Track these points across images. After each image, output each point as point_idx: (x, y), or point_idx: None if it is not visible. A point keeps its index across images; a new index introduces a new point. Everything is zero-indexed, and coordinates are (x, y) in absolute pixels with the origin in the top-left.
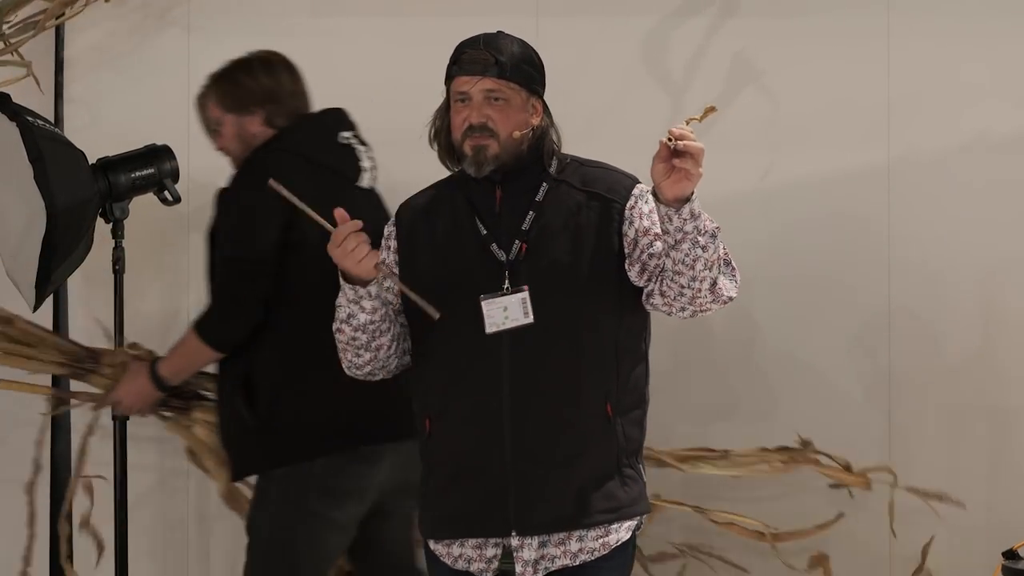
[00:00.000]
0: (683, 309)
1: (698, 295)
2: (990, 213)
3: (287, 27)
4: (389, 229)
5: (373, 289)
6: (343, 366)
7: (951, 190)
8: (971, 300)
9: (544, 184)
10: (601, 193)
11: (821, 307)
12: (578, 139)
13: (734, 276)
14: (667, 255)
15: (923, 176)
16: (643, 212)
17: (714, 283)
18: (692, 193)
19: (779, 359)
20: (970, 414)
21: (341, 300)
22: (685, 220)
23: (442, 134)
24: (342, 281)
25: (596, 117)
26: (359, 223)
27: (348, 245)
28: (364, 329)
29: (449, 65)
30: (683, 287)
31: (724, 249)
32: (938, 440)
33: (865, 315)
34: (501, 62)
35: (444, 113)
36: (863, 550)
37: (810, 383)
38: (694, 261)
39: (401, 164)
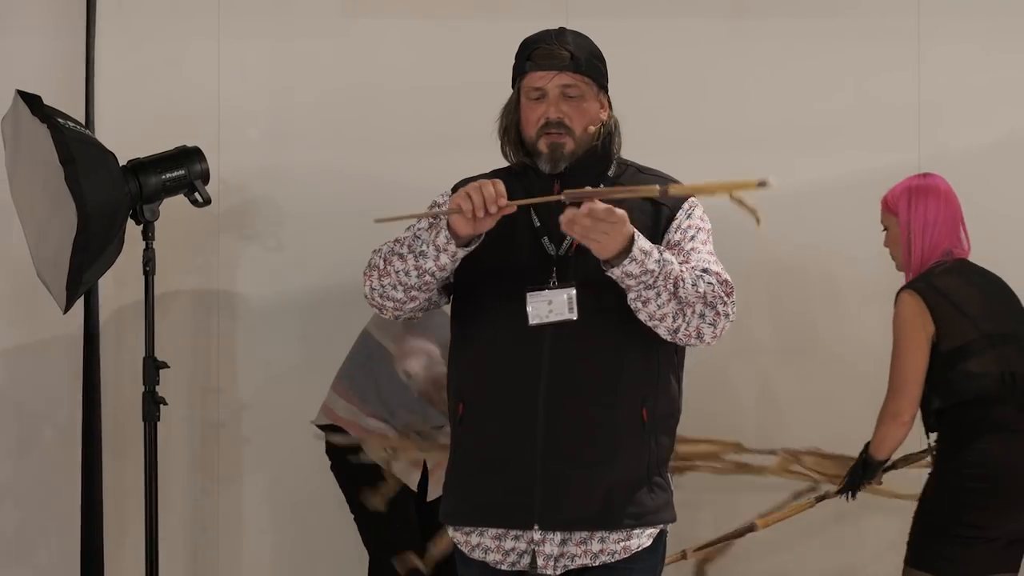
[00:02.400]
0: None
1: (658, 330)
2: (1021, 212)
3: (316, 29)
4: (444, 199)
5: (461, 253)
6: (369, 287)
7: (982, 190)
8: None
9: (601, 185)
10: (657, 200)
11: (852, 308)
12: None
13: (715, 320)
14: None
15: (954, 176)
16: (681, 225)
17: (675, 332)
18: (623, 255)
19: (809, 358)
20: None
21: (426, 236)
22: (624, 275)
23: (512, 130)
24: (444, 225)
25: (624, 119)
26: (505, 202)
27: (487, 195)
28: (421, 274)
29: (520, 61)
30: (647, 319)
31: (687, 294)
32: None
33: None
34: (576, 56)
35: (514, 109)
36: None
37: (842, 383)
38: (636, 309)
39: (426, 165)
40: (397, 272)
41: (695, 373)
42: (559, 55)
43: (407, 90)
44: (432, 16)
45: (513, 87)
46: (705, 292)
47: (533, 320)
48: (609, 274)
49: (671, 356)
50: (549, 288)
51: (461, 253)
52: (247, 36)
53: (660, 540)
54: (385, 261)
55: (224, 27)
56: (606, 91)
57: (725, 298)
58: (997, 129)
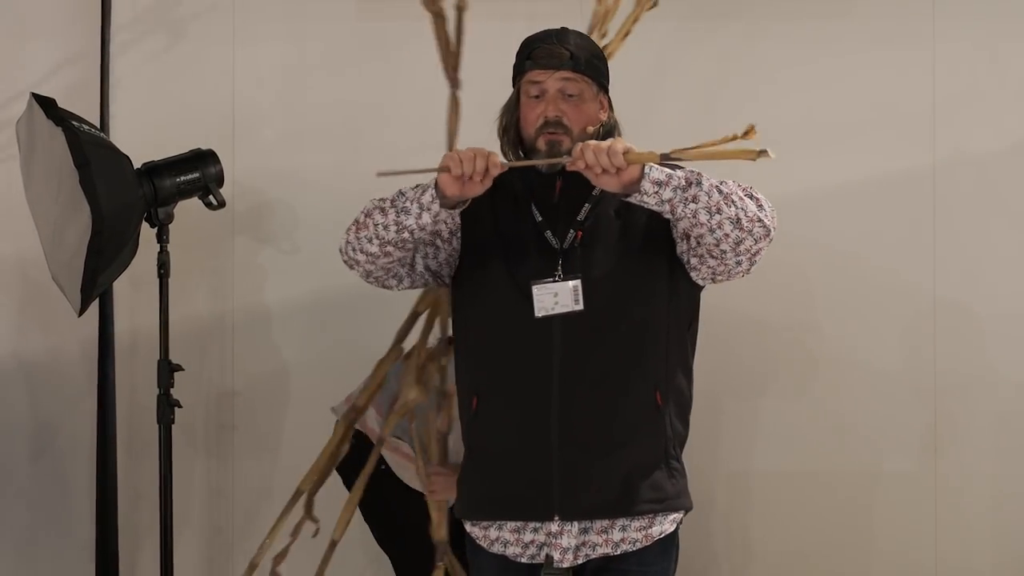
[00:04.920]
0: (738, 263)
1: (727, 241)
2: None
3: (330, 32)
4: None
5: (444, 215)
6: (345, 240)
7: (997, 192)
8: (1018, 303)
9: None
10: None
11: (867, 310)
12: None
13: (760, 205)
14: (679, 231)
15: (969, 179)
16: None
17: (737, 220)
18: (642, 171)
19: (826, 360)
20: (1017, 417)
21: (411, 194)
22: (658, 193)
23: (511, 129)
24: (432, 185)
25: (637, 120)
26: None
27: (479, 166)
28: (400, 230)
29: (520, 60)
30: (715, 244)
31: (728, 188)
32: (984, 442)
33: (911, 319)
34: (575, 56)
35: (513, 108)
36: (908, 556)
37: (856, 384)
38: (695, 215)
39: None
40: (376, 225)
41: (699, 375)
42: (559, 54)
43: (421, 93)
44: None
45: (514, 86)
46: (732, 187)
47: (539, 312)
48: (644, 202)
49: (681, 339)
50: (554, 280)
51: (444, 215)
52: (261, 39)
53: (678, 526)
54: (366, 215)
55: (239, 30)
56: (606, 92)
57: (751, 188)
58: (1013, 132)
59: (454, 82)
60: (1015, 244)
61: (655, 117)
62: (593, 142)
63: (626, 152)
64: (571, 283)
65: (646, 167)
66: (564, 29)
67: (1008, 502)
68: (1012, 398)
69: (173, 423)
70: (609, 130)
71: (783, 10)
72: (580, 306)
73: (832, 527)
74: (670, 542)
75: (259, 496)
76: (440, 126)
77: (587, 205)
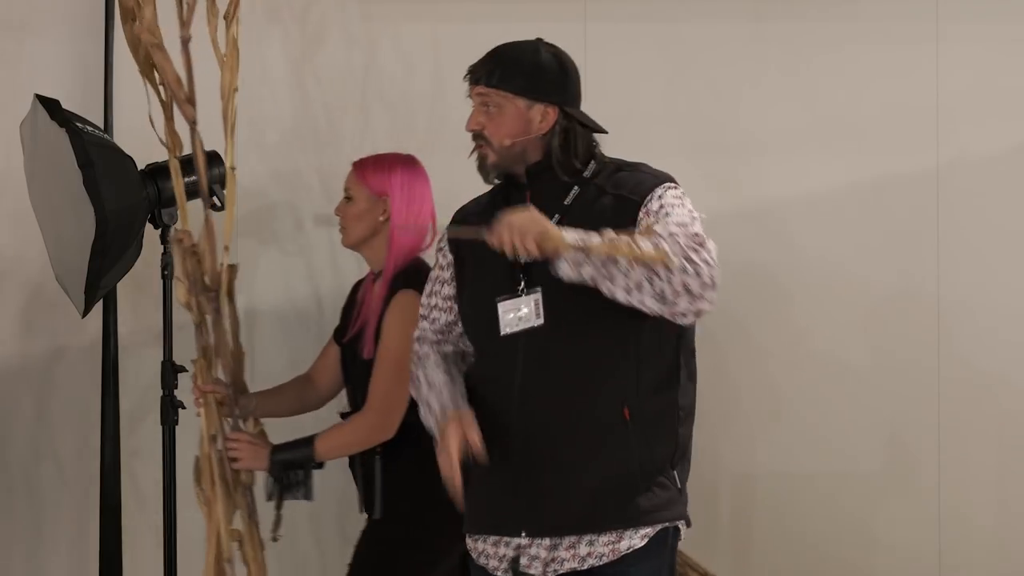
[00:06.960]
0: (684, 316)
1: (657, 310)
2: None
3: (335, 34)
4: (443, 241)
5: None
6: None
7: (1001, 194)
8: (1022, 304)
9: (576, 187)
10: (624, 195)
11: (869, 312)
12: (623, 143)
13: (696, 270)
14: None
15: (972, 180)
16: (651, 210)
17: (661, 296)
18: (557, 248)
19: (827, 364)
20: (1020, 419)
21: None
22: (578, 271)
23: None
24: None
25: (640, 121)
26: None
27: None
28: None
29: None
30: (627, 296)
31: (657, 252)
32: (988, 443)
33: (915, 320)
34: (490, 70)
35: None
36: (911, 558)
37: (859, 388)
38: (612, 294)
39: (445, 170)
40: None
41: (699, 378)
42: (475, 69)
43: (426, 95)
44: (451, 21)
45: None
46: (665, 251)
47: (504, 329)
48: (564, 275)
49: (656, 352)
50: (517, 296)
51: None
52: (265, 41)
53: (661, 540)
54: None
55: (242, 32)
56: (551, 103)
57: (696, 247)
58: (1017, 133)
59: (190, 118)
60: (1019, 245)
61: (657, 118)
62: (512, 220)
63: (542, 238)
64: (533, 297)
65: (564, 254)
66: (510, 43)
67: (1011, 503)
68: (1015, 399)
69: (177, 424)
70: (563, 140)
71: (786, 10)
72: (541, 320)
73: (835, 529)
74: (657, 559)
75: (263, 497)
76: (444, 128)
77: (556, 216)
